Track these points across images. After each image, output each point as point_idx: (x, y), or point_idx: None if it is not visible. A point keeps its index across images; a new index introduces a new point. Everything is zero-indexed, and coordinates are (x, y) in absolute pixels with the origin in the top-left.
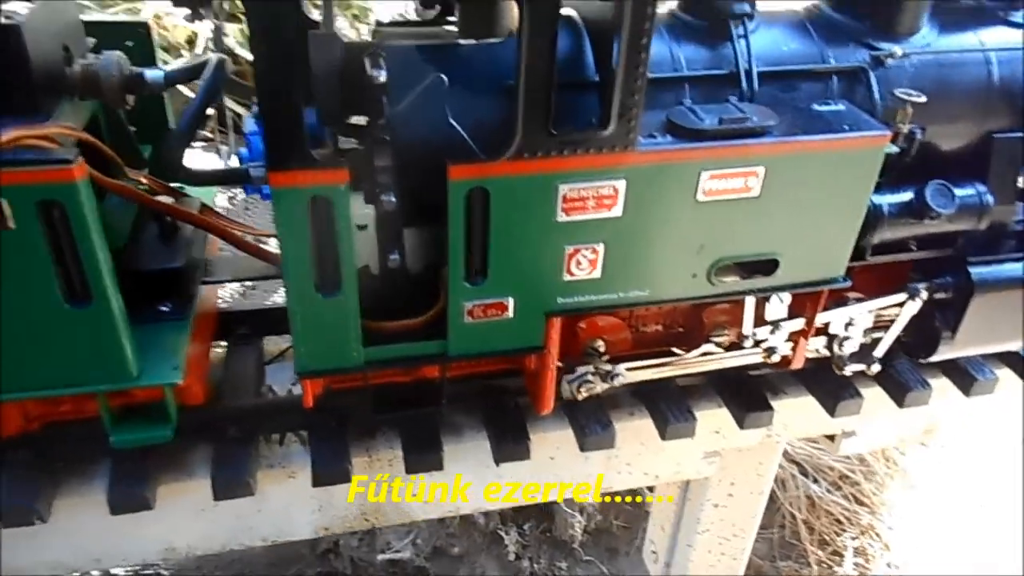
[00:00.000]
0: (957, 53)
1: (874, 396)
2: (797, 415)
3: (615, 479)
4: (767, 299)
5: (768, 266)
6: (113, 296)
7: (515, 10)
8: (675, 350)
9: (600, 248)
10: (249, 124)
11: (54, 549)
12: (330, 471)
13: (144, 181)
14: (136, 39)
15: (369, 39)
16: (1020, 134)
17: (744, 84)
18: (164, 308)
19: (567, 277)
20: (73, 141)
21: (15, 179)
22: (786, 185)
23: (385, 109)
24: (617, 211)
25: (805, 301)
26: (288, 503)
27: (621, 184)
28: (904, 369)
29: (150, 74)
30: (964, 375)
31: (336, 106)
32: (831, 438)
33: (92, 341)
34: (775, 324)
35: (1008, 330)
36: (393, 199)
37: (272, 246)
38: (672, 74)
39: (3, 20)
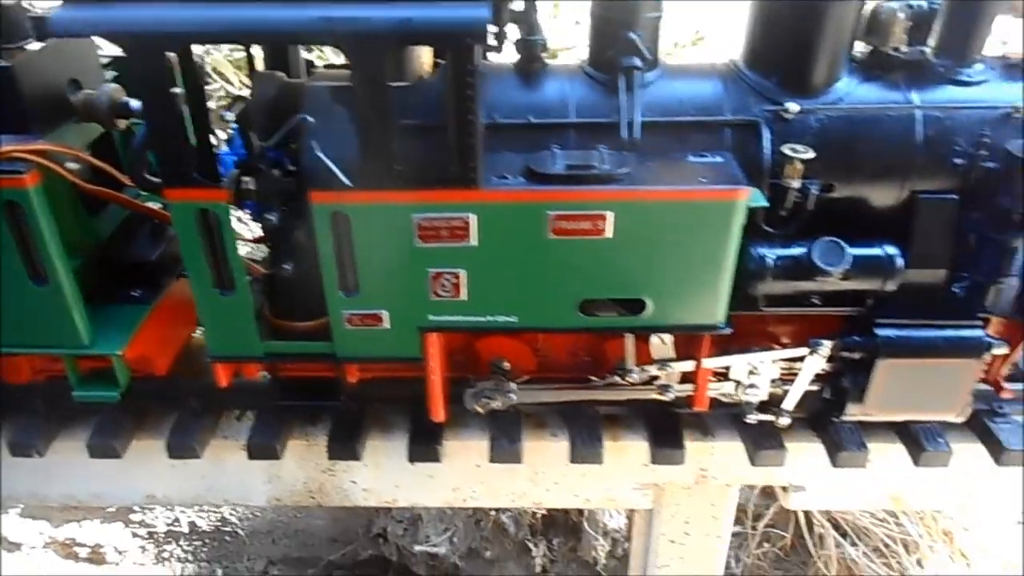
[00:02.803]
0: (874, 110)
1: (817, 452)
2: (733, 459)
3: (544, 496)
4: (647, 339)
5: (637, 306)
6: (65, 279)
7: (424, 56)
8: (593, 378)
9: (462, 274)
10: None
11: (60, 483)
12: (261, 448)
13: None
14: None
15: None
16: (948, 196)
17: (624, 133)
18: (134, 293)
19: (434, 298)
20: (70, 156)
21: None
22: (641, 230)
23: (256, 144)
24: (473, 242)
25: (695, 344)
26: (243, 472)
27: (472, 218)
28: (846, 429)
29: (134, 103)
30: (914, 443)
31: (266, 134)
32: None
33: (52, 314)
34: (662, 363)
35: (938, 398)
36: (272, 217)
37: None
38: (558, 120)
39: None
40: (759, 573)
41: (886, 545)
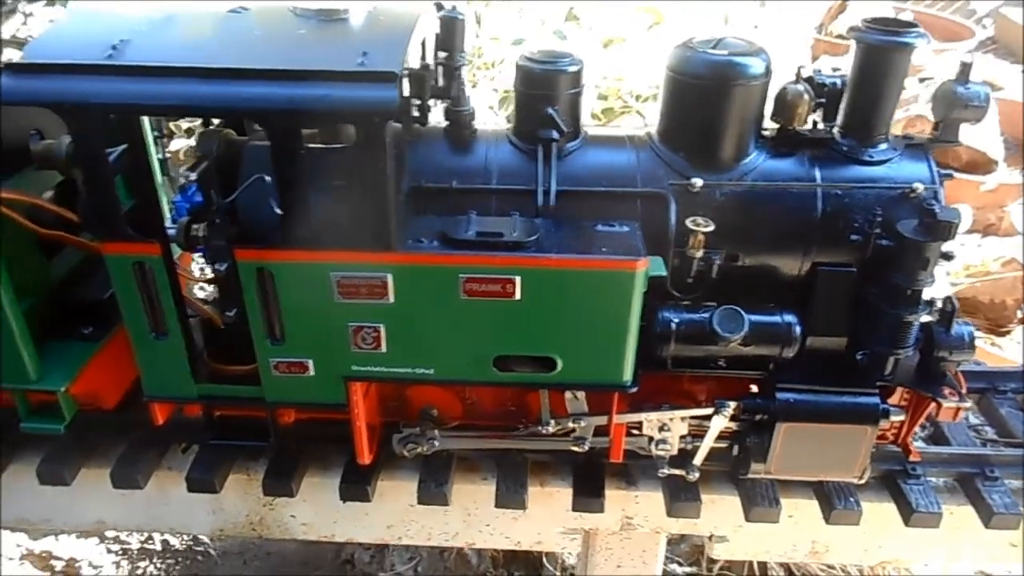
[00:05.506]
0: (777, 186)
1: (735, 504)
2: (655, 508)
3: (476, 537)
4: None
5: (550, 363)
6: (14, 319)
7: None
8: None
9: (381, 328)
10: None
11: (14, 507)
12: (200, 481)
13: None
14: None
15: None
16: (845, 268)
17: (540, 201)
18: (85, 330)
19: (356, 350)
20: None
21: None
22: (547, 294)
23: (215, 199)
24: (390, 299)
25: (608, 400)
26: (188, 502)
27: (388, 277)
28: (762, 484)
29: None
30: (826, 501)
31: (215, 188)
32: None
33: (2, 351)
34: (576, 417)
35: (837, 461)
36: (221, 268)
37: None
38: (480, 186)
39: None
40: None
41: None
